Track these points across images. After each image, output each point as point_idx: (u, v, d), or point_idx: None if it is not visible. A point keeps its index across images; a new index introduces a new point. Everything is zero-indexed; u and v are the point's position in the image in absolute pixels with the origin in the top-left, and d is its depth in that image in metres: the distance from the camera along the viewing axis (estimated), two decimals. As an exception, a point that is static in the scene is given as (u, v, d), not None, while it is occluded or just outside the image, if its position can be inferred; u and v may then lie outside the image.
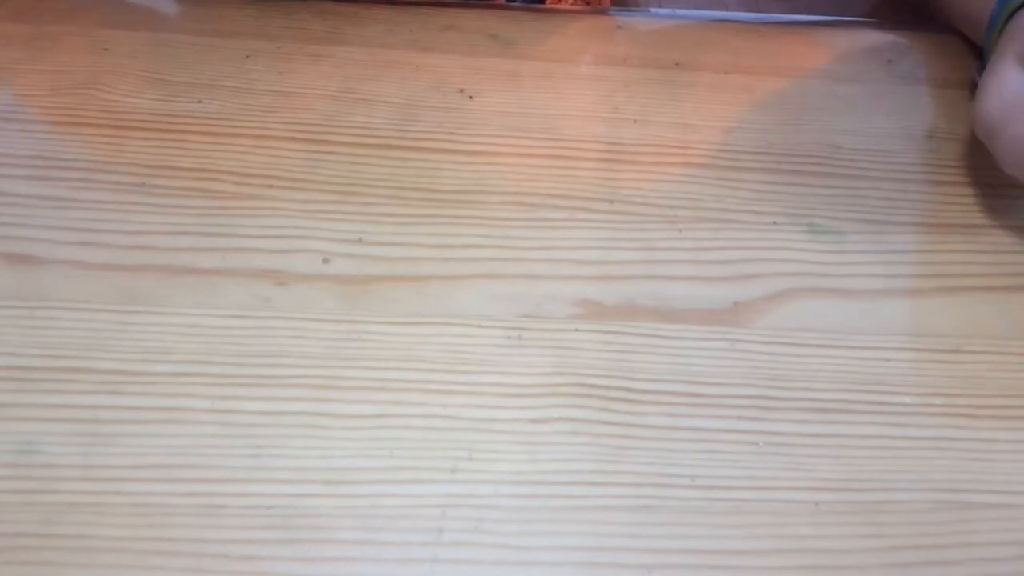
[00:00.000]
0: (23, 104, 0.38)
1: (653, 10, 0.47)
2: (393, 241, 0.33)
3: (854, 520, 0.25)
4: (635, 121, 0.39)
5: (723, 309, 0.32)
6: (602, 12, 0.46)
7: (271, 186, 0.34)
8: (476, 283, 0.32)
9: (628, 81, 0.41)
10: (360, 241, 0.33)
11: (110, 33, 0.42)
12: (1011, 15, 0.35)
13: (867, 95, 0.42)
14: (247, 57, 0.40)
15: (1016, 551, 0.24)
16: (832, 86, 0.42)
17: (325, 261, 0.32)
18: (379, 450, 0.26)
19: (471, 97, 0.39)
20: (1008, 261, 0.34)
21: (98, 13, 0.42)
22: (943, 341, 0.30)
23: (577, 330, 0.31)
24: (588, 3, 0.49)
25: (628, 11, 0.47)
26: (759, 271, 0.33)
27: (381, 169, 0.35)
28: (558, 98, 0.40)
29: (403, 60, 0.41)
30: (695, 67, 0.43)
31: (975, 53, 0.43)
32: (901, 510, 0.25)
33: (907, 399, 0.29)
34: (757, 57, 0.43)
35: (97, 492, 0.25)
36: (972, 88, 0.40)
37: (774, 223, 0.35)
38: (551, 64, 0.42)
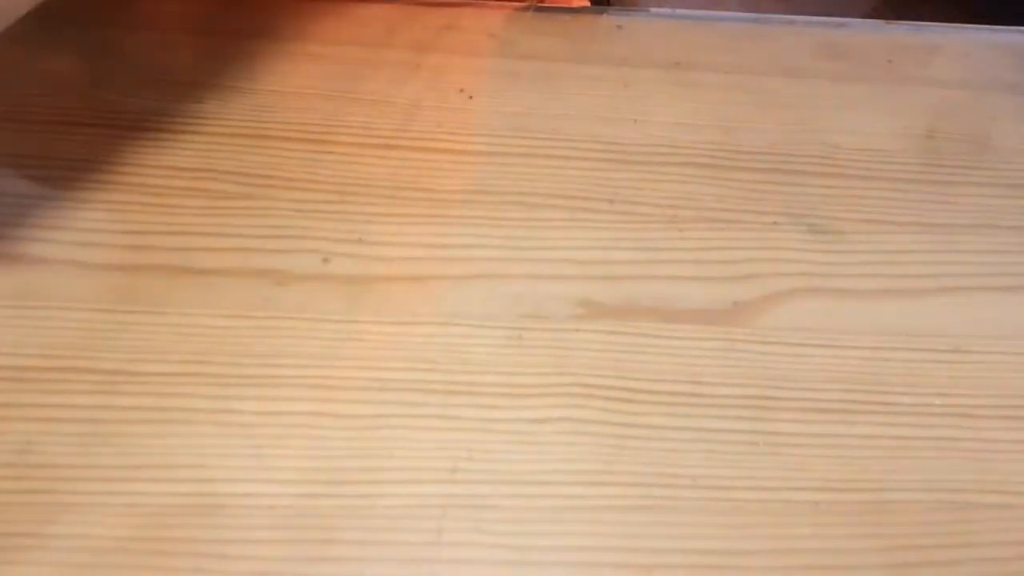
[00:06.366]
0: (22, 104, 0.38)
1: (653, 9, 0.47)
2: (393, 241, 0.33)
3: (854, 520, 0.25)
4: (635, 121, 0.39)
5: (723, 309, 0.32)
6: (602, 12, 0.46)
7: (270, 186, 0.34)
8: (477, 283, 0.32)
9: (628, 81, 0.41)
10: (360, 241, 0.33)
11: (112, 33, 0.42)
12: None
13: (867, 95, 0.42)
14: (247, 56, 0.40)
15: (1016, 551, 0.24)
16: (832, 86, 0.42)
17: (325, 261, 0.32)
18: (379, 450, 0.26)
19: (471, 97, 0.39)
20: (1008, 261, 0.34)
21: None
22: (943, 341, 0.30)
23: (578, 330, 0.31)
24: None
25: (628, 11, 0.47)
26: (759, 271, 0.33)
27: (381, 169, 0.35)
28: (558, 98, 0.40)
29: (403, 60, 0.41)
30: (695, 67, 0.43)
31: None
32: (901, 510, 0.25)
33: (907, 399, 0.29)
34: (757, 57, 0.43)
35: (97, 492, 0.25)
36: None
37: (774, 223, 0.35)
38: (551, 64, 0.42)
